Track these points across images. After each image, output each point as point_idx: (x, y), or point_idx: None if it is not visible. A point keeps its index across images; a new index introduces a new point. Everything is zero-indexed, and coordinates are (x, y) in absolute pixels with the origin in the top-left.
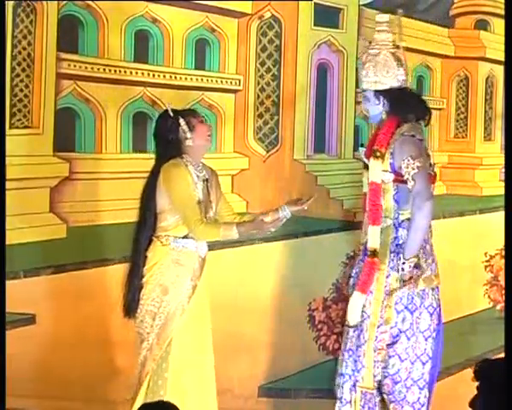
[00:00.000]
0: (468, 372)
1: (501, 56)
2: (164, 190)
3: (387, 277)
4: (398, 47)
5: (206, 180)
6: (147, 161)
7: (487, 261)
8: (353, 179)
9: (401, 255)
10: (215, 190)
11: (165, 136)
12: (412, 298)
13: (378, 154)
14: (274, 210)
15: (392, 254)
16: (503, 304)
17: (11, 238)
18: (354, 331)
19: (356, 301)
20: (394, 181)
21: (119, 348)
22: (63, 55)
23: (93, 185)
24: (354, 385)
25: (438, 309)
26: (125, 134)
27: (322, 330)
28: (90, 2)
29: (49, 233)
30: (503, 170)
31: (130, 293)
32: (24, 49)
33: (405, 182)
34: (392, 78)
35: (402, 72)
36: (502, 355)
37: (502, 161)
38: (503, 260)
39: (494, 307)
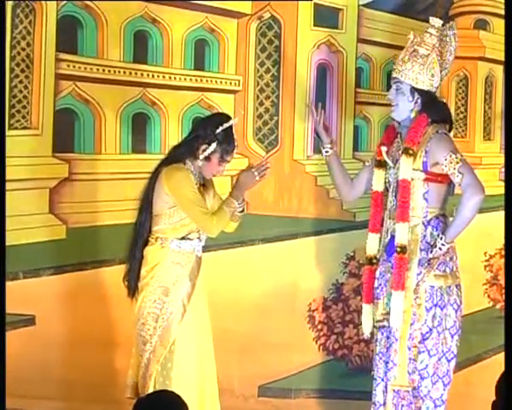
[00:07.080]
0: (468, 372)
1: (500, 56)
2: (165, 193)
3: (418, 274)
4: (442, 54)
5: (202, 185)
6: (146, 161)
7: (487, 261)
8: None
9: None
10: (212, 194)
11: (195, 134)
12: (441, 295)
13: (410, 152)
14: None
15: (422, 252)
16: (502, 303)
17: (11, 239)
18: (382, 334)
19: (397, 300)
20: (425, 180)
21: (119, 348)
22: (62, 56)
23: (92, 186)
24: (386, 387)
25: (461, 306)
26: (125, 135)
27: (322, 330)
28: (88, 3)
29: (49, 234)
30: (503, 169)
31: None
32: (23, 49)
33: (438, 181)
34: (433, 82)
35: (439, 80)
36: (501, 355)
37: (501, 160)
38: (502, 260)
39: (494, 306)
